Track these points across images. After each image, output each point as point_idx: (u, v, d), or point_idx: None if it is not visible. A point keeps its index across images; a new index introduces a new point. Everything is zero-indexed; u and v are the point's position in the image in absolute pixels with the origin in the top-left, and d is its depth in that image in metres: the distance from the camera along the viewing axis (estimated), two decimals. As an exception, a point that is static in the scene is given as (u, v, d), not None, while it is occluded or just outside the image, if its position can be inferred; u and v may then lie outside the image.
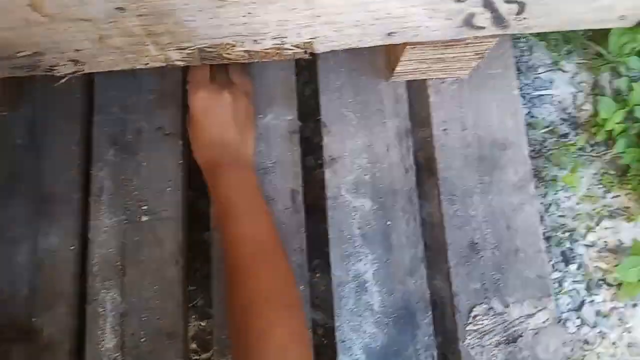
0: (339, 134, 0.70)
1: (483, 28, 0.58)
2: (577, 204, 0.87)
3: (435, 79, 0.72)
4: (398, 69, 0.67)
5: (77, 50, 0.55)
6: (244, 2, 0.49)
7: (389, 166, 0.69)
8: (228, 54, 0.58)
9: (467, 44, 0.62)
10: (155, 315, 0.66)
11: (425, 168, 0.73)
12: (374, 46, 0.60)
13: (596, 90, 0.92)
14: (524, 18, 0.57)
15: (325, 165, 0.69)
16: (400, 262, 0.66)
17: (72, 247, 0.67)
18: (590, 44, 0.92)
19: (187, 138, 0.70)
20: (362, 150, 0.70)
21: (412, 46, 0.61)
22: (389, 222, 0.67)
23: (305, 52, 0.60)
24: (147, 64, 0.59)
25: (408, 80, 0.73)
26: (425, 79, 0.72)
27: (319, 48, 0.59)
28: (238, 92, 0.65)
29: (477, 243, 0.67)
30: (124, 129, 0.70)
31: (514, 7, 0.55)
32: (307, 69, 0.82)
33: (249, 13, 0.51)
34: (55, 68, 0.59)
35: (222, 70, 0.67)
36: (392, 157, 0.69)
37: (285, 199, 0.68)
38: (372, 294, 0.66)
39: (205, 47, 0.57)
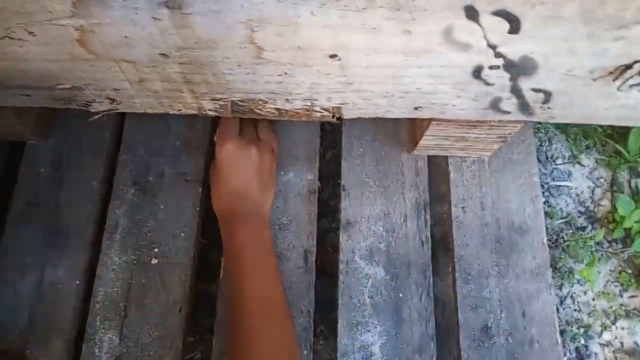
0: (358, 199, 0.70)
1: (508, 113, 0.60)
2: (593, 299, 0.84)
3: (457, 157, 0.73)
4: (421, 142, 0.68)
5: (116, 89, 0.58)
6: (281, 62, 0.51)
7: (404, 237, 0.69)
8: (259, 109, 0.60)
9: (492, 126, 0.63)
10: (150, 364, 0.64)
11: (440, 244, 0.73)
12: (400, 118, 0.61)
13: (614, 187, 0.93)
14: (549, 108, 0.58)
15: (342, 228, 0.69)
16: (409, 338, 0.64)
17: (77, 282, 0.66)
18: (609, 141, 0.93)
19: (206, 186, 0.70)
20: (379, 218, 0.70)
21: (437, 122, 0.62)
22: (401, 294, 0.66)
23: (333, 116, 0.61)
24: (180, 110, 0.61)
25: (429, 155, 0.74)
26: (447, 156, 0.73)
27: (347, 114, 0.61)
28: (264, 149, 0.66)
29: (490, 327, 0.65)
30: (147, 171, 0.71)
31: (540, 96, 0.57)
32: (331, 133, 0.84)
33: (285, 73, 0.53)
34: (91, 104, 0.61)
35: (251, 125, 0.69)
36: (408, 228, 0.69)
37: (297, 258, 0.67)
38: (376, 368, 0.63)
39: (238, 100, 0.59)
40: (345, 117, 0.61)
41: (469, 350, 0.64)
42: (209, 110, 0.61)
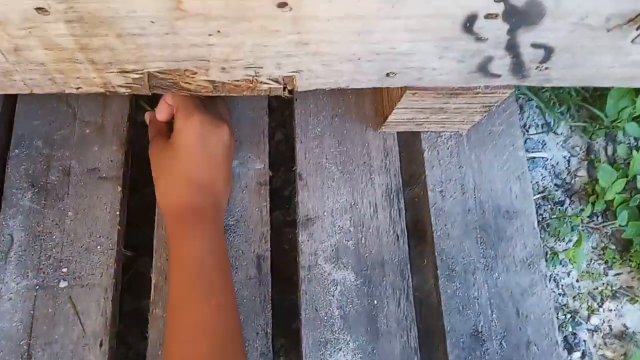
0: (318, 189, 0.58)
1: (498, 76, 0.49)
2: (577, 281, 0.77)
3: (431, 132, 0.62)
4: (391, 117, 0.56)
5: (-15, 63, 0.42)
6: (212, 15, 0.37)
7: (376, 231, 0.57)
8: (187, 83, 0.46)
9: (476, 94, 0.52)
10: (66, 415, 0.50)
11: (415, 235, 0.62)
12: (365, 89, 0.49)
13: (591, 156, 0.85)
14: (546, 68, 0.48)
15: (300, 227, 0.57)
16: (388, 353, 0.53)
17: (-41, 320, 0.51)
18: (585, 105, 0.85)
19: (126, 184, 0.56)
20: (344, 210, 0.58)
21: (413, 92, 0.51)
22: (376, 302, 0.55)
23: (284, 89, 0.48)
24: (80, 88, 0.46)
25: (399, 132, 0.62)
26: (419, 132, 0.62)
27: (302, 85, 0.48)
28: (231, 129, 0.53)
29: (481, 331, 0.55)
30: (48, 168, 0.56)
31: (540, 53, 0.46)
32: (281, 109, 0.70)
33: (217, 31, 0.39)
34: (-45, 85, 0.45)
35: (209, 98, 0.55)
36: (380, 220, 0.58)
37: (248, 266, 0.55)
38: (352, 394, 0.52)
39: (157, 71, 0.45)
40: (299, 90, 0.48)
41: (459, 360, 0.54)
42: (119, 86, 0.46)
